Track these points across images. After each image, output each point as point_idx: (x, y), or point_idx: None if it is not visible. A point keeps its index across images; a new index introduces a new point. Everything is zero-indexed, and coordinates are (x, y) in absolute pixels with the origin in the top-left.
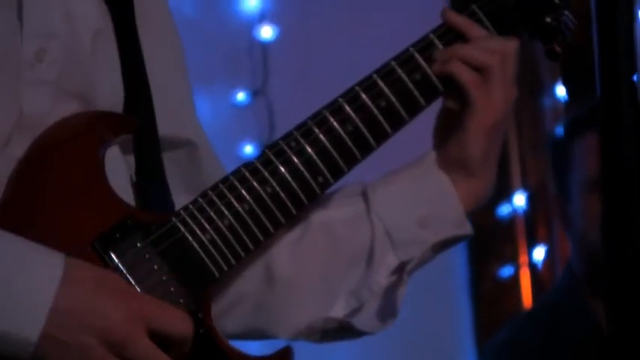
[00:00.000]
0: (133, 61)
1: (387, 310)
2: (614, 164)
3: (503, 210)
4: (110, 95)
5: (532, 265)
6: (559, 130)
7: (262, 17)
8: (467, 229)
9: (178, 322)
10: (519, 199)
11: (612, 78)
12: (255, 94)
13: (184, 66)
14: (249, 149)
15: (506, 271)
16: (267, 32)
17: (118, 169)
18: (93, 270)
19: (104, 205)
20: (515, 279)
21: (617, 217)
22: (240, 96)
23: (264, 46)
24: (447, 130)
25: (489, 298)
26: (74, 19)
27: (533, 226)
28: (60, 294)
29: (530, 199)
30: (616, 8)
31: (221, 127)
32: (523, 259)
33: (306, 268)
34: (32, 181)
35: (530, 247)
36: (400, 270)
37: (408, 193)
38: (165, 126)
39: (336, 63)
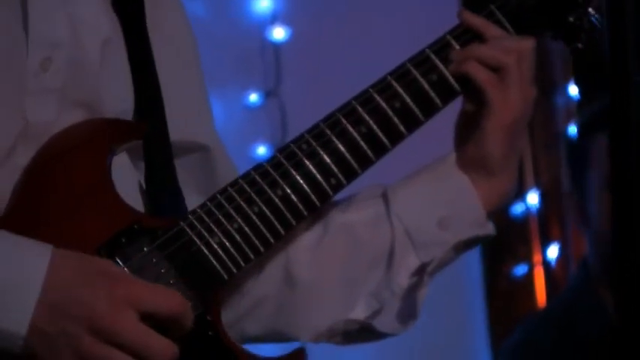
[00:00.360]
0: (143, 68)
1: (408, 312)
2: (624, 165)
3: (517, 209)
4: (119, 103)
5: (546, 264)
6: (572, 129)
7: (274, 18)
8: (488, 229)
9: (168, 301)
10: (532, 198)
11: (621, 78)
12: (267, 95)
13: (199, 68)
14: (262, 150)
15: (520, 270)
16: (279, 33)
17: (127, 176)
18: (80, 258)
19: (110, 212)
20: (529, 278)
21: (628, 217)
22: (253, 97)
23: (277, 47)
24: (466, 130)
25: (503, 296)
26: (81, 29)
27: (547, 224)
28: (47, 285)
29: (543, 198)
30: (624, 7)
31: (233, 128)
32: (537, 257)
33: (327, 270)
34: (38, 188)
35: (544, 245)
36: (421, 271)
37: (428, 194)
38: (178, 131)
39: (349, 64)
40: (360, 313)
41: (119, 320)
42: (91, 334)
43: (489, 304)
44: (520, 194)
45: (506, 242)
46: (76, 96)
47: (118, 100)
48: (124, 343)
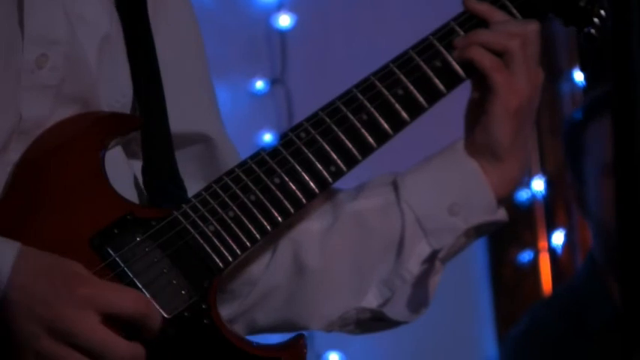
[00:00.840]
0: (144, 63)
1: (419, 299)
2: (628, 149)
3: (522, 195)
4: (116, 99)
5: (551, 250)
6: (576, 115)
7: (280, 5)
8: (500, 214)
9: (131, 302)
10: (538, 185)
11: (625, 63)
12: (273, 82)
13: (203, 58)
14: (268, 138)
15: (526, 257)
16: (285, 21)
17: (121, 170)
18: (45, 258)
19: (103, 203)
20: (534, 264)
21: (631, 203)
22: (259, 84)
23: (283, 34)
24: (474, 117)
25: (509, 283)
26: (78, 25)
27: (552, 211)
28: (10, 284)
29: (549, 185)
30: None
31: (240, 115)
32: (542, 244)
33: (337, 259)
34: (29, 182)
35: (550, 232)
36: (432, 258)
37: (437, 181)
38: (179, 123)
39: (355, 51)
40: (371, 301)
41: (79, 321)
42: (50, 334)
43: (495, 290)
44: (526, 181)
45: (511, 229)
46: (71, 93)
47: (116, 96)
48: (81, 344)
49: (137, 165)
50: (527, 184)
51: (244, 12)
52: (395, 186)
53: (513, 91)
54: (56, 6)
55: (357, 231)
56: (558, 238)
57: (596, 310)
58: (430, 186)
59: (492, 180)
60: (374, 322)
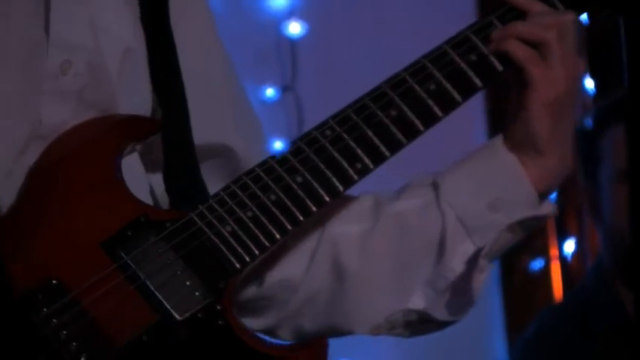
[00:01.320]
0: (166, 76)
1: (465, 298)
2: None
3: None
4: (135, 110)
5: (562, 258)
6: (587, 122)
7: (291, 13)
8: (544, 209)
9: None
10: None
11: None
12: (284, 90)
13: (227, 67)
14: (278, 145)
15: (537, 264)
16: (295, 28)
17: (137, 178)
18: None
19: (117, 206)
20: (545, 272)
21: None
22: (269, 92)
23: (293, 42)
24: (512, 110)
25: (520, 291)
26: (102, 35)
27: (564, 218)
28: None
29: (560, 192)
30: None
31: None
32: (553, 252)
33: (378, 261)
34: (44, 186)
35: (561, 240)
36: (476, 256)
37: (476, 178)
38: (201, 135)
39: (365, 59)
40: (417, 302)
41: None
42: None
43: (506, 298)
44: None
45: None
46: (92, 100)
47: (135, 106)
48: None
49: (154, 177)
50: None
51: (255, 19)
52: (435, 186)
53: (550, 84)
54: (82, 14)
55: (398, 232)
56: (569, 246)
57: (602, 312)
58: (470, 184)
59: (533, 174)
60: (421, 324)
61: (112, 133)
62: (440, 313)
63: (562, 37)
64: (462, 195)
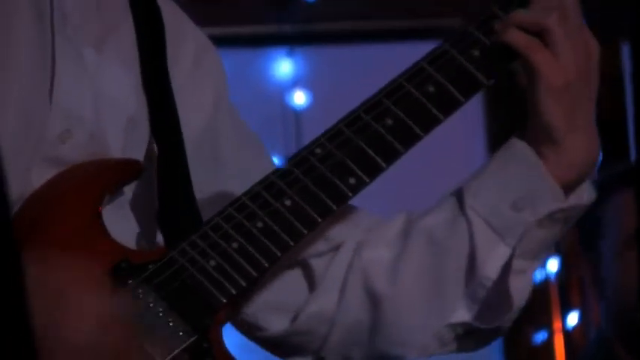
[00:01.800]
0: (168, 143)
1: (505, 303)
2: None
3: (537, 275)
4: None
5: (566, 331)
6: None
7: (295, 83)
8: (574, 199)
9: None
10: (553, 265)
11: None
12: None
13: (237, 129)
14: None
15: (540, 337)
16: (300, 98)
17: (123, 218)
18: None
19: (98, 254)
20: (549, 344)
21: None
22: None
23: (297, 112)
24: (529, 105)
25: None
26: (105, 106)
27: (567, 291)
28: None
29: (563, 264)
30: None
31: None
32: (557, 324)
33: (413, 283)
34: (27, 233)
35: (564, 312)
36: (510, 259)
37: (497, 180)
38: (206, 191)
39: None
40: (459, 315)
41: None
42: None
43: None
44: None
45: (525, 308)
46: None
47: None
48: None
49: (143, 216)
50: (542, 264)
51: (259, 89)
52: (458, 195)
53: (557, 70)
54: (86, 83)
55: (429, 250)
56: (573, 318)
57: None
58: (492, 186)
59: (554, 166)
60: (469, 335)
61: (92, 180)
62: (484, 322)
63: (565, 19)
64: (485, 199)
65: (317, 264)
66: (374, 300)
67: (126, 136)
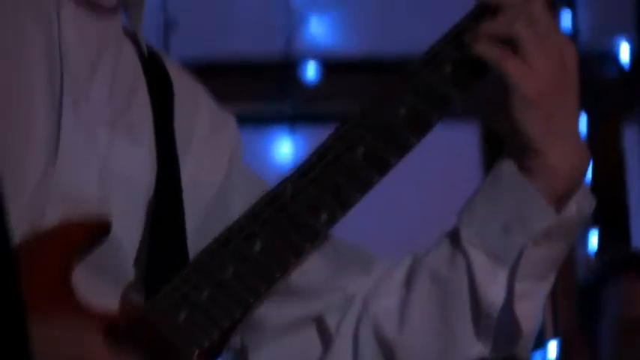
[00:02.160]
0: (169, 220)
1: (513, 329)
2: None
3: (537, 358)
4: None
5: None
6: (590, 279)
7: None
8: (567, 213)
9: None
10: (552, 347)
11: None
12: None
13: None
14: None
15: None
16: None
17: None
18: None
19: (68, 322)
20: None
21: None
22: None
23: None
24: (504, 119)
25: None
26: (113, 182)
27: None
28: None
29: (562, 347)
30: None
31: None
32: None
33: (422, 326)
34: None
35: None
36: (511, 283)
37: (486, 206)
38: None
39: (367, 226)
40: (474, 351)
41: None
42: None
43: None
44: (540, 344)
45: None
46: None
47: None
48: None
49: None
50: (543, 347)
51: (262, 169)
52: (454, 228)
53: (529, 77)
54: (93, 162)
55: (434, 288)
56: None
57: None
58: (482, 213)
59: (541, 177)
60: None
61: (63, 244)
62: (496, 351)
63: (532, 23)
64: (477, 227)
65: (331, 318)
66: (386, 349)
67: (136, 212)
